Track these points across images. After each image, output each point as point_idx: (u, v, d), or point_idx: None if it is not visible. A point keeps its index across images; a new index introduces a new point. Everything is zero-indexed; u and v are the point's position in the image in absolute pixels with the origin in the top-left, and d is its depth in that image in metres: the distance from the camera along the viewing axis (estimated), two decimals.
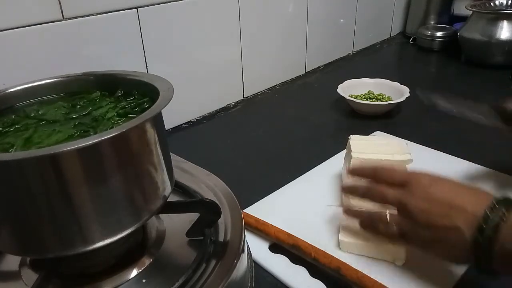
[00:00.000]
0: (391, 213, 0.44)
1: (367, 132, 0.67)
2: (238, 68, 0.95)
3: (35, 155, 0.29)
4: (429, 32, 1.30)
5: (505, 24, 1.08)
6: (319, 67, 1.21)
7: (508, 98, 0.55)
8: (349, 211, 0.50)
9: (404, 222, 0.43)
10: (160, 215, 0.47)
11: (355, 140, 0.62)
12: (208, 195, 0.49)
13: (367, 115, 0.87)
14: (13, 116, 0.40)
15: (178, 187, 0.51)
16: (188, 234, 0.44)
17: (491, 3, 1.19)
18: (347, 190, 0.51)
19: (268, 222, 0.53)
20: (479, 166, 0.65)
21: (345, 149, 0.72)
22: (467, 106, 0.56)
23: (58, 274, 0.39)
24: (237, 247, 0.42)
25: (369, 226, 0.47)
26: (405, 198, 0.43)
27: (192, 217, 0.44)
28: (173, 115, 0.85)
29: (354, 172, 0.51)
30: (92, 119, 0.39)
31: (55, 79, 0.46)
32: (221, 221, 0.45)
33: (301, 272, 0.47)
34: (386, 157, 0.56)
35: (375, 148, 0.59)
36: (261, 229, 0.52)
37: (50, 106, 0.42)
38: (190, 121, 0.89)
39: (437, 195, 0.41)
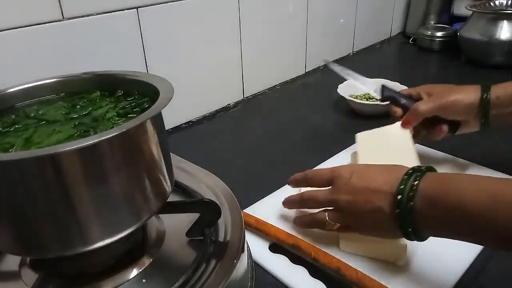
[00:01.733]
0: (328, 212, 0.48)
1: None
2: (238, 68, 0.95)
3: (35, 155, 0.29)
4: (429, 32, 1.30)
5: (505, 24, 1.08)
6: (319, 67, 1.21)
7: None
8: (297, 220, 0.53)
9: (338, 216, 0.47)
10: (160, 215, 0.47)
11: (362, 139, 0.64)
12: (208, 195, 0.49)
13: (367, 115, 0.87)
14: (13, 116, 0.40)
15: (178, 187, 0.51)
16: (188, 234, 0.44)
17: (491, 3, 1.19)
18: (286, 205, 0.54)
19: (268, 222, 0.53)
20: (479, 166, 0.65)
21: (345, 149, 0.73)
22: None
23: (58, 274, 0.39)
24: (237, 247, 0.42)
25: (315, 226, 0.50)
26: (333, 195, 0.46)
27: (192, 217, 0.44)
28: (173, 115, 0.85)
29: (290, 183, 0.55)
30: (92, 119, 0.39)
31: (55, 79, 0.46)
32: (221, 221, 0.45)
33: (301, 272, 0.47)
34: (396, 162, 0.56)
35: (382, 150, 0.60)
36: (261, 229, 0.52)
37: (50, 106, 0.42)
38: (190, 121, 0.89)
39: (357, 185, 0.45)
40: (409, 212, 0.40)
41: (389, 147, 0.61)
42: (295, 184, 0.55)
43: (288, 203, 0.54)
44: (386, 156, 0.57)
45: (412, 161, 0.56)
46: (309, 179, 0.51)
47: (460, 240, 0.39)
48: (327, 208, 0.48)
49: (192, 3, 0.79)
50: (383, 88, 0.70)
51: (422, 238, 0.41)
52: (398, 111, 0.65)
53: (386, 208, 0.41)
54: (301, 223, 0.52)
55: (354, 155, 0.65)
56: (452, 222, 0.38)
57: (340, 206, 0.46)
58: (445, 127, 0.61)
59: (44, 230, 0.33)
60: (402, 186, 0.41)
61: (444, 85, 0.68)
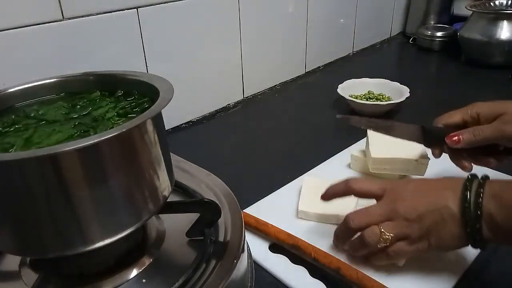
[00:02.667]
0: (382, 223, 0.44)
1: (366, 133, 0.67)
2: (238, 68, 0.95)
3: (35, 155, 0.29)
4: (429, 32, 1.30)
5: (505, 24, 1.08)
6: (319, 67, 1.21)
7: (436, 119, 0.57)
8: (337, 239, 0.49)
9: (395, 224, 0.43)
10: (160, 215, 0.47)
11: (373, 133, 0.64)
12: (208, 195, 0.49)
13: (367, 115, 0.87)
14: (13, 116, 0.40)
15: (178, 187, 0.51)
16: (188, 234, 0.44)
17: (491, 3, 1.19)
18: (336, 240, 0.49)
19: (268, 222, 0.53)
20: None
21: (345, 149, 0.73)
22: (398, 129, 0.57)
23: (58, 274, 0.39)
24: (237, 247, 0.42)
25: (365, 245, 0.45)
26: (389, 205, 0.44)
27: (192, 217, 0.44)
28: (173, 115, 0.85)
29: (327, 197, 0.50)
30: (92, 119, 0.39)
31: (55, 79, 0.45)
32: (221, 221, 0.45)
33: (301, 272, 0.47)
34: (406, 156, 0.59)
35: (393, 143, 0.60)
36: (261, 229, 0.52)
37: (50, 106, 0.42)
38: (190, 121, 0.89)
39: (416, 190, 0.44)
40: (476, 208, 0.39)
41: (399, 142, 0.60)
42: (333, 196, 0.50)
43: (337, 237, 0.49)
44: (397, 149, 0.60)
45: (422, 155, 0.59)
46: (352, 185, 0.48)
47: None
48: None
49: (192, 3, 0.79)
50: (424, 130, 0.56)
51: (482, 243, 0.41)
52: (436, 151, 0.56)
53: (452, 206, 0.41)
54: (350, 247, 0.47)
55: (364, 150, 0.66)
56: None
57: (400, 212, 0.43)
58: (493, 161, 0.53)
59: (44, 230, 0.33)
60: (467, 184, 0.41)
61: (502, 104, 0.52)
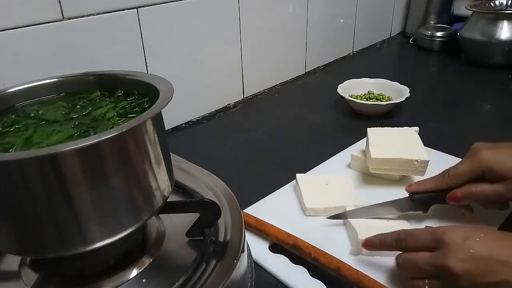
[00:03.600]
0: (429, 281, 0.40)
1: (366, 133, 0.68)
2: (238, 68, 0.95)
3: (35, 155, 0.29)
4: (429, 32, 1.30)
5: (505, 24, 1.08)
6: (319, 67, 1.21)
7: (416, 184, 0.54)
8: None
9: (444, 287, 0.39)
10: (160, 215, 0.47)
11: (373, 133, 0.65)
12: (208, 195, 0.49)
13: (367, 115, 0.87)
14: (13, 116, 0.40)
15: (178, 187, 0.51)
16: (188, 234, 0.44)
17: (491, 3, 1.19)
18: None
19: (268, 222, 0.53)
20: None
21: (345, 149, 0.73)
22: (384, 209, 0.54)
23: (58, 274, 0.39)
24: (237, 247, 0.42)
25: None
26: (442, 261, 0.38)
27: (192, 217, 0.44)
28: (173, 115, 0.85)
29: (369, 247, 0.46)
30: (92, 119, 0.39)
31: (55, 79, 0.46)
32: (221, 221, 0.45)
33: (301, 272, 0.47)
34: (406, 156, 0.59)
35: (393, 143, 0.62)
36: (261, 229, 0.52)
37: (50, 106, 0.42)
38: (190, 121, 0.89)
39: (476, 251, 0.38)
40: None
41: (399, 142, 0.62)
42: (374, 248, 0.46)
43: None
44: (397, 150, 0.60)
45: (422, 156, 0.59)
46: (401, 241, 0.43)
47: None
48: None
49: (192, 3, 0.79)
50: (413, 199, 0.53)
51: None
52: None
53: None
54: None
55: (364, 150, 0.66)
56: None
57: (453, 274, 0.37)
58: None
59: (44, 230, 0.33)
60: None
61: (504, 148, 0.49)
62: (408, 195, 0.54)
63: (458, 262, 0.37)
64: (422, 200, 0.53)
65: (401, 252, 0.43)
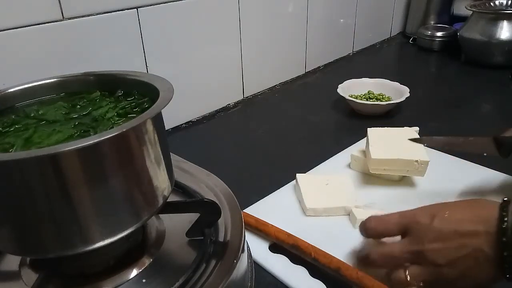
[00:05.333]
0: (408, 268, 0.41)
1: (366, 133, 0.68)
2: (238, 68, 0.95)
3: (35, 155, 0.29)
4: (429, 32, 1.30)
5: (505, 24, 1.08)
6: (319, 67, 1.21)
7: (507, 129, 0.54)
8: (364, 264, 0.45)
9: (424, 270, 0.40)
10: (160, 215, 0.47)
11: (373, 133, 0.65)
12: (208, 195, 0.49)
13: (367, 115, 0.87)
14: (13, 116, 0.40)
15: (178, 187, 0.51)
16: (188, 234, 0.44)
17: (491, 3, 1.19)
18: (362, 265, 0.45)
19: (268, 222, 0.53)
20: (479, 166, 0.65)
21: (345, 149, 0.73)
22: (468, 142, 0.54)
23: (58, 274, 0.39)
24: (237, 247, 0.42)
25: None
26: (415, 246, 0.40)
27: (192, 217, 0.44)
28: (173, 115, 0.85)
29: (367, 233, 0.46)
30: (92, 119, 0.39)
31: (55, 79, 0.46)
32: (221, 221, 0.45)
33: (301, 272, 0.47)
34: (406, 157, 0.59)
35: (393, 144, 0.62)
36: (261, 229, 0.52)
37: (50, 106, 0.42)
38: (190, 121, 0.89)
39: (444, 229, 0.39)
40: None
41: (399, 143, 0.62)
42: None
43: (363, 263, 0.45)
44: (397, 150, 0.60)
45: (423, 157, 0.59)
46: (371, 229, 0.44)
47: None
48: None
49: (192, 3, 0.79)
50: (497, 141, 0.53)
51: None
52: None
53: (487, 250, 0.37)
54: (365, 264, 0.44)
55: (364, 150, 0.67)
56: None
57: (428, 257, 0.39)
58: None
59: (44, 230, 0.33)
60: (505, 225, 0.36)
61: None
62: (492, 136, 0.53)
63: (430, 243, 0.39)
64: (506, 142, 0.51)
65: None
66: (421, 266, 0.40)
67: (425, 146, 0.59)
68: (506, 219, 0.36)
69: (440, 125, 0.82)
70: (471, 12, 1.15)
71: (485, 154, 0.54)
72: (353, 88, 0.93)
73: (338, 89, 0.90)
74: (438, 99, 0.98)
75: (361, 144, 0.72)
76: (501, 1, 1.18)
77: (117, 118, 0.39)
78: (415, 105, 0.90)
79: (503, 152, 0.53)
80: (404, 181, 0.63)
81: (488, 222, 0.37)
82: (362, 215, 0.53)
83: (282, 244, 0.51)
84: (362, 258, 0.45)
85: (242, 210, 0.49)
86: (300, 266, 0.48)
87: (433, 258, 0.39)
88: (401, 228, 0.42)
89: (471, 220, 0.39)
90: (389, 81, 0.93)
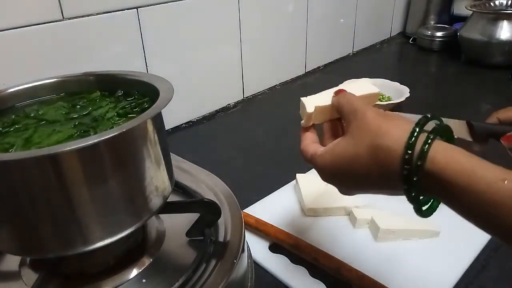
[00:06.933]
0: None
1: None
2: (238, 68, 0.95)
3: (35, 155, 0.29)
4: (429, 32, 1.30)
5: (505, 24, 1.08)
6: (319, 67, 1.21)
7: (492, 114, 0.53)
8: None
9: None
10: (160, 215, 0.47)
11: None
12: (208, 195, 0.49)
13: None
14: (13, 116, 0.40)
15: (178, 187, 0.51)
16: (188, 234, 0.44)
17: (491, 3, 1.19)
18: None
19: (268, 222, 0.53)
20: None
21: None
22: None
23: (58, 274, 0.39)
24: (237, 247, 0.42)
25: None
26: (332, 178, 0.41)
27: (192, 217, 0.44)
28: (173, 115, 0.85)
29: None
30: (92, 119, 0.39)
31: (55, 79, 0.46)
32: (221, 221, 0.45)
33: (301, 272, 0.47)
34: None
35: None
36: (261, 229, 0.52)
37: (50, 106, 0.42)
38: (190, 121, 0.89)
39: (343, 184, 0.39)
40: (420, 157, 0.31)
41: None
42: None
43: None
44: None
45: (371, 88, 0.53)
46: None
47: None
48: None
49: (192, 3, 0.79)
50: (471, 125, 0.53)
51: (420, 193, 0.33)
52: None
53: (394, 147, 0.33)
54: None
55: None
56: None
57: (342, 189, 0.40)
58: None
59: (44, 230, 0.33)
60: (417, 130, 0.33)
61: None
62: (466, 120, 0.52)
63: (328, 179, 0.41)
64: (480, 130, 0.50)
65: None
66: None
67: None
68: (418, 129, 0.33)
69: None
70: (471, 12, 1.15)
71: (456, 137, 0.54)
72: (353, 88, 0.93)
73: None
74: (438, 99, 0.98)
75: None
76: (501, 1, 1.18)
77: (117, 118, 0.39)
78: (415, 105, 0.90)
79: (476, 138, 0.51)
80: None
81: (390, 179, 0.34)
82: (362, 215, 0.53)
83: (282, 244, 0.51)
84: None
85: (242, 210, 0.49)
86: (300, 266, 0.48)
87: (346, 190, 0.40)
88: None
89: (373, 181, 0.36)
90: (389, 81, 0.93)
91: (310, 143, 0.46)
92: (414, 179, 0.32)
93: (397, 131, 0.34)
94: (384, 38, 1.47)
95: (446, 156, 0.32)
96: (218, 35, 0.87)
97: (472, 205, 0.30)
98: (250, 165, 0.72)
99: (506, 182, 0.29)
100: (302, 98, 0.48)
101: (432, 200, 0.35)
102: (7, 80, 0.55)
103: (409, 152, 0.32)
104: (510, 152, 0.51)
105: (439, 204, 0.35)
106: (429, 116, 0.35)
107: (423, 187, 0.32)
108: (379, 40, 1.45)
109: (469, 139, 0.51)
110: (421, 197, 0.33)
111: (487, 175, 0.30)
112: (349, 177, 0.38)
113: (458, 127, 0.52)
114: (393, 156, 0.33)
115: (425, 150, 0.32)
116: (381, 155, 0.34)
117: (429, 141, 0.32)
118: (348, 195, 0.40)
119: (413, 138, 0.33)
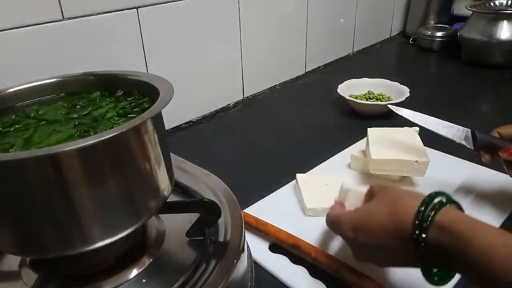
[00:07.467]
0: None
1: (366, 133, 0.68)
2: (238, 68, 0.95)
3: (35, 155, 0.29)
4: (429, 32, 1.30)
5: (505, 24, 1.08)
6: (319, 67, 1.21)
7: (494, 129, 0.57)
8: None
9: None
10: (160, 215, 0.47)
11: (373, 133, 0.65)
12: (208, 195, 0.49)
13: (367, 115, 0.87)
14: (13, 116, 0.40)
15: (178, 187, 0.51)
16: (188, 234, 0.44)
17: (491, 3, 1.19)
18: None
19: (268, 222, 0.53)
20: (479, 166, 0.65)
21: (345, 149, 0.73)
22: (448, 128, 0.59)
23: (58, 274, 0.39)
24: (237, 247, 0.42)
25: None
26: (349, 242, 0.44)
27: (192, 217, 0.44)
28: (173, 115, 0.85)
29: None
30: (92, 119, 0.39)
31: (55, 79, 0.46)
32: (221, 221, 0.45)
33: (301, 272, 0.47)
34: (406, 157, 0.59)
35: (393, 144, 0.62)
36: (261, 229, 0.52)
37: (50, 106, 0.42)
38: (190, 121, 0.89)
39: (365, 243, 0.41)
40: (425, 236, 0.35)
41: (399, 143, 0.63)
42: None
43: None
44: (397, 150, 0.61)
45: (423, 157, 0.59)
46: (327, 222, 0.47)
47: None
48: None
49: (192, 3, 0.79)
50: (474, 135, 0.56)
51: (431, 265, 0.37)
52: (487, 157, 0.55)
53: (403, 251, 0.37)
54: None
55: (364, 150, 0.67)
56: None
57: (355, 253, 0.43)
58: None
59: (44, 230, 0.33)
60: (423, 210, 0.36)
61: None
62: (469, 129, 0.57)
63: (356, 252, 0.43)
64: (483, 141, 0.55)
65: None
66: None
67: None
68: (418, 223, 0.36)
69: None
70: (471, 12, 1.15)
71: (458, 142, 0.57)
72: (353, 88, 0.93)
73: (338, 89, 0.90)
74: (438, 99, 0.98)
75: (361, 144, 0.72)
76: (501, 1, 1.18)
77: (117, 118, 0.39)
78: (415, 105, 0.89)
79: (475, 146, 0.56)
80: (404, 181, 0.63)
81: (403, 230, 0.37)
82: None
83: (282, 244, 0.51)
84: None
85: (242, 210, 0.49)
86: (300, 266, 0.48)
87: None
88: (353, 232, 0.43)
89: (387, 231, 0.39)
90: (389, 81, 0.93)
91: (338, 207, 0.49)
92: (423, 236, 0.35)
93: (412, 199, 0.39)
94: (384, 38, 1.47)
95: (456, 212, 0.37)
96: (218, 35, 0.88)
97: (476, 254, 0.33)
98: (250, 165, 0.72)
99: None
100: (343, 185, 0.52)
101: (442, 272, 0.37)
102: (7, 80, 0.55)
103: (422, 208, 0.36)
104: (505, 165, 0.55)
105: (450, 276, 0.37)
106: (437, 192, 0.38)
107: (432, 242, 0.35)
108: (379, 40, 1.45)
109: (471, 147, 0.56)
110: (433, 270, 0.37)
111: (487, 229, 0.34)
112: (365, 229, 0.41)
113: (460, 133, 0.58)
114: (408, 212, 0.37)
115: (437, 207, 0.36)
116: (398, 211, 0.38)
117: (442, 200, 0.37)
118: (361, 257, 0.43)
119: (428, 197, 0.37)
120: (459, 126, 0.58)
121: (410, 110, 0.63)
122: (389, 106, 0.66)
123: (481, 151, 0.56)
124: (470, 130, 0.57)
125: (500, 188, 0.60)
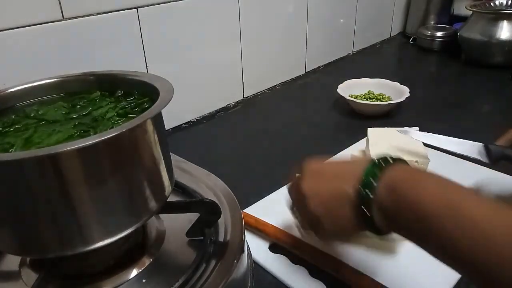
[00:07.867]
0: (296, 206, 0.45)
1: (366, 133, 0.68)
2: (238, 68, 0.95)
3: (35, 155, 0.29)
4: (429, 32, 1.30)
5: (505, 24, 1.08)
6: (319, 67, 1.21)
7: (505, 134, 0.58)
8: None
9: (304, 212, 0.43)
10: (160, 215, 0.47)
11: (373, 133, 0.65)
12: (208, 195, 0.49)
13: (367, 115, 0.87)
14: (13, 116, 0.40)
15: (178, 187, 0.51)
16: (188, 234, 0.44)
17: (491, 3, 1.19)
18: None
19: (268, 222, 0.53)
20: (479, 166, 0.65)
21: (345, 149, 0.73)
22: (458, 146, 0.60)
23: (58, 274, 0.39)
24: (237, 247, 0.42)
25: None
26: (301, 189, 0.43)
27: (192, 217, 0.44)
28: (173, 115, 0.85)
29: None
30: (92, 119, 0.39)
31: (55, 79, 0.46)
32: (221, 221, 0.45)
33: (301, 272, 0.47)
34: (406, 157, 0.58)
35: (393, 144, 0.62)
36: (261, 229, 0.52)
37: (50, 106, 0.42)
38: (190, 121, 0.89)
39: (326, 175, 0.43)
40: (368, 193, 0.36)
41: (399, 143, 0.63)
42: None
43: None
44: (397, 150, 0.61)
45: (423, 157, 0.59)
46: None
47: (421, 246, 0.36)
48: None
49: (192, 3, 0.79)
50: (487, 148, 0.58)
51: (376, 228, 0.37)
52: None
53: (348, 188, 0.38)
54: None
55: (364, 150, 0.67)
56: (407, 222, 0.35)
57: (302, 192, 0.42)
58: None
59: (44, 230, 0.33)
60: (370, 168, 0.38)
61: None
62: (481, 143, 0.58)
63: (306, 182, 0.44)
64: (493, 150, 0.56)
65: None
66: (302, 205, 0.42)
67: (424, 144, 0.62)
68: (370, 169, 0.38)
69: (440, 125, 0.82)
70: (471, 12, 1.15)
71: (472, 157, 0.58)
72: (353, 88, 0.93)
73: (338, 89, 0.90)
74: (438, 99, 0.98)
75: (361, 144, 0.72)
76: (501, 1, 1.18)
77: (117, 118, 0.39)
78: (415, 105, 0.90)
79: (490, 159, 0.57)
80: None
81: (358, 168, 0.39)
82: None
83: (282, 244, 0.51)
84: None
85: (242, 210, 0.49)
86: (300, 266, 0.48)
87: (305, 192, 0.42)
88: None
89: (347, 166, 0.42)
90: (389, 81, 0.93)
91: None
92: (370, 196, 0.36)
93: (357, 163, 0.41)
94: (384, 38, 1.47)
95: (400, 170, 0.39)
96: (218, 35, 0.88)
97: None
98: (250, 165, 0.72)
99: None
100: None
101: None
102: (7, 80, 0.55)
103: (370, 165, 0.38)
104: None
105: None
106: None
107: (380, 203, 0.36)
108: (379, 40, 1.45)
109: (486, 161, 0.57)
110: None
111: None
112: (317, 197, 0.41)
113: (477, 150, 0.59)
114: (356, 174, 0.38)
115: (384, 165, 0.38)
116: (345, 173, 0.40)
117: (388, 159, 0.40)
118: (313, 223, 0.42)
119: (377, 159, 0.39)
120: (471, 141, 0.59)
121: (420, 132, 0.65)
122: (396, 130, 0.66)
123: (499, 163, 0.56)
124: (482, 144, 0.58)
125: (500, 188, 0.60)
